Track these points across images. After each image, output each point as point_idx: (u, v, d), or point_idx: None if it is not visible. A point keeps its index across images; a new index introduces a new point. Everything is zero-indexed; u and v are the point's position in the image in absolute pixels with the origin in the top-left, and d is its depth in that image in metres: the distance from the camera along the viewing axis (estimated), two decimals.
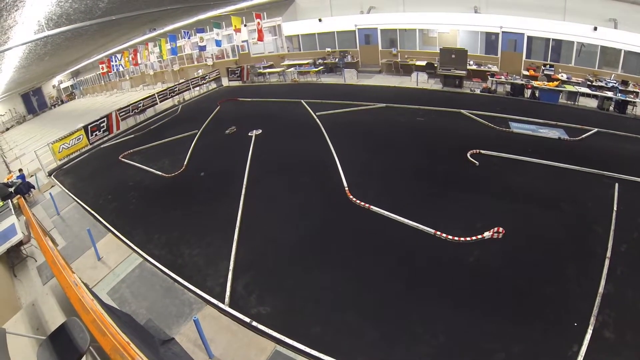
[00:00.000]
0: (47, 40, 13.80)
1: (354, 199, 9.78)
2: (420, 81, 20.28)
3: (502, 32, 20.12)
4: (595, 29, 18.55)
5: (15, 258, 10.51)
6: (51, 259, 6.36)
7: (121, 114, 22.47)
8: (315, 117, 16.56)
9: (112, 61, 40.39)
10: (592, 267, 7.25)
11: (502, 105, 16.03)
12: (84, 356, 4.63)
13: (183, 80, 29.92)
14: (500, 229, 7.96)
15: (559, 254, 7.60)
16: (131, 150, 17.38)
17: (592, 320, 6.12)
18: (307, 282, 7.50)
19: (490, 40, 20.99)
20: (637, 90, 17.50)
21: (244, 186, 11.57)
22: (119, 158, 16.67)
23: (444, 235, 8.01)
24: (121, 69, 42.69)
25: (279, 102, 20.78)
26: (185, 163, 14.29)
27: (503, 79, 18.49)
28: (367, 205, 9.44)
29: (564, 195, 9.59)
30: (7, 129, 48.80)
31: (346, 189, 10.37)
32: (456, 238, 7.89)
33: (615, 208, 9.08)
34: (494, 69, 19.96)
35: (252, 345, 6.35)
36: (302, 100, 19.37)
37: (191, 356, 6.33)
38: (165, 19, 21.48)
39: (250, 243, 8.96)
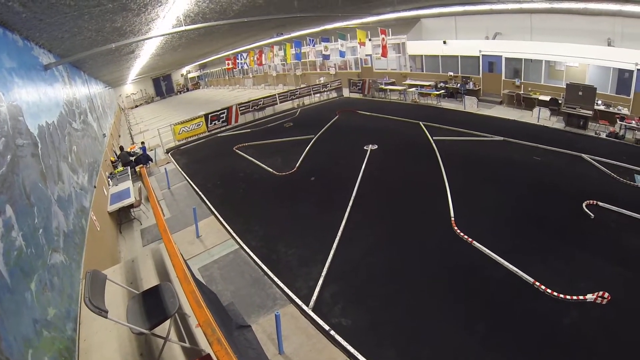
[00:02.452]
0: (183, 35, 15.12)
1: (458, 231, 9.67)
2: (541, 117, 19.12)
3: (638, 69, 17.62)
4: None
5: (124, 217, 12.10)
6: (162, 226, 6.93)
7: (241, 108, 24.16)
8: (431, 140, 16.50)
9: (238, 59, 42.98)
10: None
11: (629, 154, 14.38)
12: (169, 320, 5.02)
13: (304, 85, 31.12)
14: (606, 294, 7.27)
15: None
16: (246, 144, 18.50)
17: None
18: (393, 305, 7.54)
19: (622, 78, 18.67)
20: None
21: (352, 198, 11.86)
22: (234, 149, 17.86)
23: (543, 287, 7.60)
24: (245, 67, 45.43)
25: (397, 120, 20.90)
26: (297, 165, 14.94)
27: (634, 124, 16.35)
28: (470, 239, 9.29)
29: None
30: (137, 106, 54.60)
31: (452, 219, 10.27)
32: (555, 293, 7.43)
33: None
34: (625, 111, 17.83)
35: (324, 353, 6.52)
36: (420, 122, 19.34)
37: (262, 347, 6.67)
38: (293, 25, 22.49)
39: (347, 255, 9.17)
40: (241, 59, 42.94)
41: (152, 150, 20.33)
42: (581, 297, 7.35)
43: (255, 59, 38.77)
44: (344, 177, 13.52)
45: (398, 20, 24.07)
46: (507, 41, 23.31)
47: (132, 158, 17.31)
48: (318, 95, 29.98)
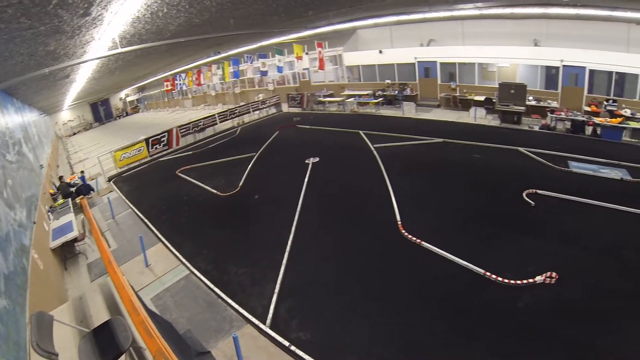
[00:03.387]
0: (119, 57, 14.67)
1: (406, 234, 9.80)
2: (478, 117, 20.03)
3: (563, 65, 19.37)
4: None
5: (68, 253, 11.45)
6: (107, 258, 6.83)
7: (182, 131, 23.74)
8: (372, 148, 16.75)
9: (177, 80, 42.37)
10: None
11: (561, 143, 15.44)
12: (123, 355, 4.84)
13: (243, 103, 31.09)
14: (554, 274, 7.66)
15: (617, 303, 7.12)
16: (188, 166, 18.26)
17: None
18: (350, 314, 7.52)
19: (550, 75, 20.30)
20: None
21: (297, 212, 11.85)
22: (176, 172, 17.54)
23: (494, 276, 7.83)
24: (184, 87, 44.67)
25: (337, 131, 21.13)
26: (240, 184, 14.80)
27: (563, 115, 17.73)
28: (418, 240, 9.43)
29: (626, 241, 8.98)
30: (74, 134, 52.36)
31: (399, 222, 10.41)
32: (506, 280, 7.68)
33: None
34: (554, 104, 19.23)
35: None
36: (360, 131, 19.64)
37: None
38: (230, 43, 22.39)
39: (298, 269, 9.14)
40: (180, 80, 42.28)
41: (93, 179, 19.50)
42: (531, 280, 7.66)
43: (194, 79, 38.26)
44: (288, 192, 13.48)
45: (334, 32, 24.51)
46: (441, 47, 24.42)
47: (73, 189, 16.44)
48: (257, 112, 29.96)
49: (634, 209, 10.02)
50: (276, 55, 29.18)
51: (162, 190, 16.00)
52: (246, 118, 29.27)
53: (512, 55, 20.99)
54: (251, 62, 32.56)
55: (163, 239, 11.73)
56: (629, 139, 16.58)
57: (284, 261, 9.43)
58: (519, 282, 7.65)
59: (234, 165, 17.61)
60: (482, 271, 8.03)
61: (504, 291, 7.54)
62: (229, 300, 8.41)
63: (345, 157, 16.76)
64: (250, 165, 17.02)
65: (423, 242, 9.33)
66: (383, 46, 27.13)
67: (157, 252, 11.06)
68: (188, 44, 15.62)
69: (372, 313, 7.46)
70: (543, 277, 7.65)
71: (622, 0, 10.64)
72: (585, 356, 6.06)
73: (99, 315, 6.48)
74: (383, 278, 8.46)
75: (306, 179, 14.30)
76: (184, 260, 10.36)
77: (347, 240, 10.13)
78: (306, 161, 16.25)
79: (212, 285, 9.06)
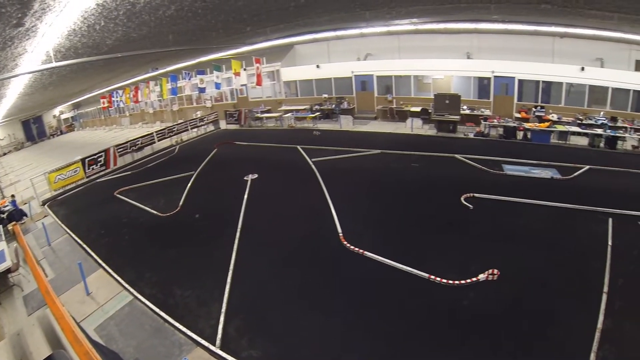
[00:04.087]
0: (53, 71, 14.12)
1: (348, 245, 9.76)
2: (414, 127, 20.59)
3: (494, 76, 20.71)
4: (583, 69, 19.25)
5: (1, 285, 10.49)
6: (44, 288, 6.44)
7: (119, 150, 22.76)
8: (310, 163, 16.74)
9: (114, 97, 40.81)
10: (590, 303, 7.29)
11: (495, 148, 16.28)
12: None
13: (182, 121, 30.41)
14: (495, 271, 7.96)
15: (556, 292, 7.66)
16: (127, 187, 17.50)
17: (592, 356, 6.13)
18: (298, 327, 7.42)
19: (482, 85, 21.56)
20: (626, 125, 18.09)
21: (238, 229, 11.55)
22: (115, 194, 16.76)
23: (438, 279, 7.97)
24: (121, 105, 43.13)
25: (275, 147, 21.04)
26: (180, 203, 14.34)
27: (495, 122, 18.86)
28: (361, 251, 9.42)
29: (559, 234, 9.72)
30: (4, 154, 48.97)
31: (340, 235, 10.36)
32: (450, 281, 7.86)
33: (610, 243, 9.27)
34: (487, 112, 20.36)
35: None
36: (298, 146, 19.63)
37: None
38: (168, 59, 22.01)
39: (243, 286, 8.92)
40: (117, 97, 40.64)
41: (25, 204, 18.19)
42: (474, 279, 7.90)
43: (131, 96, 36.91)
44: (228, 210, 13.17)
45: (272, 48, 24.57)
46: (377, 61, 25.15)
47: (3, 215, 15.26)
48: (196, 130, 29.40)
49: (564, 204, 10.87)
50: (214, 71, 28.81)
51: (101, 213, 15.20)
52: (184, 136, 28.62)
53: (446, 68, 22.08)
54: (189, 79, 31.96)
55: (104, 265, 11.06)
56: (557, 141, 17.96)
57: (229, 279, 9.13)
58: (462, 281, 7.85)
59: (174, 184, 17.07)
60: (427, 275, 8.15)
61: (449, 292, 7.71)
62: (177, 324, 8.00)
63: (284, 172, 16.68)
64: (189, 184, 16.55)
65: (366, 252, 9.33)
66: (321, 61, 27.51)
67: (98, 279, 10.39)
68: (126, 59, 15.19)
69: (320, 324, 7.39)
70: (485, 275, 7.92)
71: (545, 15, 11.35)
72: (530, 344, 6.37)
73: (40, 350, 6.01)
74: (329, 289, 8.39)
75: (246, 196, 14.04)
76: (126, 285, 9.79)
77: (290, 255, 10.01)
78: (245, 178, 15.99)
79: (158, 310, 8.58)
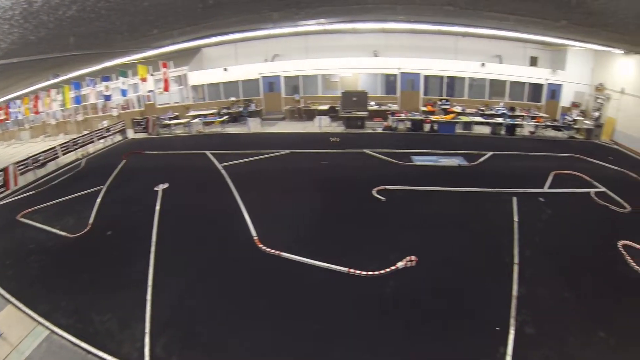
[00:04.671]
0: None
1: (265, 248, 9.47)
2: (323, 125, 20.75)
3: (401, 73, 21.65)
4: (483, 64, 21.10)
5: None
6: None
7: (20, 168, 20.74)
8: (220, 168, 16.23)
9: (11, 107, 37.34)
10: (504, 275, 7.89)
11: (403, 141, 16.83)
12: None
13: (87, 132, 28.50)
14: (413, 257, 8.14)
15: (472, 269, 8.14)
16: (31, 209, 15.94)
17: (512, 321, 6.67)
18: (225, 335, 7.14)
19: (389, 81, 22.37)
20: (523, 114, 20.20)
21: (153, 243, 10.88)
22: (18, 218, 15.21)
23: (358, 271, 7.97)
24: (20, 116, 39.68)
25: (184, 154, 20.24)
26: (90, 222, 13.28)
27: (403, 116, 19.50)
28: (277, 252, 9.17)
29: (469, 216, 10.34)
30: None
31: (255, 238, 10.04)
32: (370, 273, 7.90)
33: (516, 219, 10.15)
34: (394, 107, 21.01)
35: None
36: (207, 152, 19.01)
37: None
38: (71, 64, 20.32)
39: (165, 301, 8.35)
40: (15, 108, 37.01)
41: None
42: (393, 267, 8.01)
43: (31, 106, 33.84)
44: (141, 223, 12.34)
45: (180, 51, 23.52)
46: (285, 61, 25.00)
47: None
48: (102, 140, 27.58)
49: (472, 188, 11.63)
50: (120, 77, 27.07)
51: (3, 241, 13.67)
52: (91, 148, 26.75)
53: (354, 66, 22.60)
54: (94, 86, 29.88)
55: (13, 300, 9.90)
56: (462, 131, 19.15)
57: (149, 296, 8.53)
58: (382, 271, 7.92)
59: (82, 201, 15.75)
60: (346, 269, 8.10)
61: (371, 282, 7.77)
62: (100, 354, 7.29)
63: (194, 179, 15.98)
64: (99, 200, 15.33)
65: (283, 253, 9.09)
66: (228, 63, 26.91)
67: (8, 317, 9.21)
68: (23, 65, 13.80)
69: (246, 331, 7.14)
70: (404, 262, 8.08)
71: (448, 16, 11.85)
72: (453, 320, 6.73)
73: None
74: (251, 296, 8.09)
75: (157, 207, 13.28)
76: (41, 319, 8.78)
77: (207, 264, 9.54)
78: (155, 188, 15.15)
79: (78, 341, 7.80)
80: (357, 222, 10.31)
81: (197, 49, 27.10)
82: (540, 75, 22.07)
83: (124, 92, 27.73)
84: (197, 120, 25.49)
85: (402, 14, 11.47)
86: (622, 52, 18.66)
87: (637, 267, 8.84)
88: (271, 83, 25.10)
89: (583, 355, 6.53)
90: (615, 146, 19.98)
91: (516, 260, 8.51)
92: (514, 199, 11.33)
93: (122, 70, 25.96)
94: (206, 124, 25.10)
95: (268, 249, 9.31)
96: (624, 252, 9.40)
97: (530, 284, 7.75)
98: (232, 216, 11.50)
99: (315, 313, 7.26)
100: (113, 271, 10.04)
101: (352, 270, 8.04)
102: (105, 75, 27.71)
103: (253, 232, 10.27)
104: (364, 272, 7.93)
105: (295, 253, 8.96)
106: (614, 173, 15.44)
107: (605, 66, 21.82)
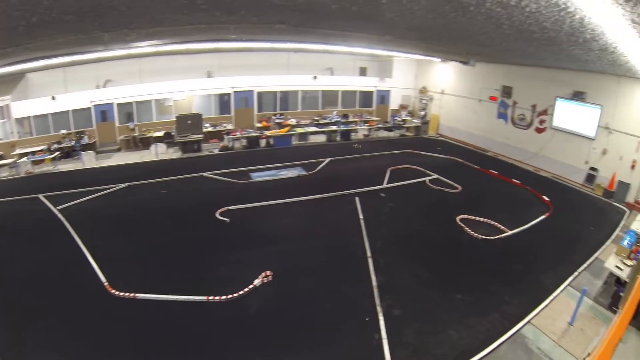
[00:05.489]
0: None
1: (117, 293, 8.55)
2: (160, 152, 19.80)
3: (234, 91, 21.74)
4: (315, 77, 22.63)
5: None
6: None
7: None
8: (56, 211, 14.43)
9: None
10: (361, 269, 8.73)
11: (241, 159, 17.00)
12: None
13: None
14: (268, 272, 8.38)
15: (330, 270, 8.82)
16: None
17: (379, 308, 7.50)
18: None
19: (223, 101, 22.29)
20: (356, 119, 22.87)
21: None
22: None
23: (217, 297, 7.89)
24: None
25: (12, 201, 17.66)
26: None
27: (238, 134, 19.69)
28: (131, 295, 8.38)
29: (316, 222, 11.10)
30: None
31: (105, 284, 8.98)
32: (230, 296, 7.88)
33: (361, 216, 11.27)
34: (229, 127, 21.13)
35: None
36: (40, 195, 16.83)
37: None
38: None
39: None
40: None
41: None
42: (251, 286, 8.15)
43: None
44: None
45: (1, 77, 20.38)
46: (117, 87, 23.03)
47: None
48: None
49: (314, 195, 12.52)
50: None
51: None
52: None
53: (187, 88, 21.99)
54: None
55: None
56: (298, 142, 20.20)
57: None
58: (241, 292, 7.98)
59: None
60: (205, 298, 7.95)
61: (232, 305, 7.77)
62: None
63: (26, 230, 13.78)
64: None
65: (137, 294, 8.37)
66: (57, 91, 23.82)
67: None
68: None
69: None
70: (260, 279, 8.29)
71: (281, 34, 12.26)
72: (324, 321, 7.28)
73: None
74: (106, 347, 7.24)
75: None
76: None
77: (55, 320, 8.18)
78: None
79: None
80: (206, 247, 10.06)
81: (20, 74, 23.87)
82: (369, 83, 25.17)
83: None
84: (24, 159, 22.63)
85: (235, 34, 11.61)
86: (440, 60, 21.83)
87: (474, 234, 11.07)
88: (104, 112, 23.07)
89: (450, 318, 7.66)
90: (442, 138, 23.57)
91: (369, 253, 9.42)
92: (357, 199, 12.43)
93: None
94: (35, 162, 22.38)
95: (121, 294, 8.41)
96: (462, 225, 11.49)
97: (387, 271, 8.70)
98: (75, 264, 10.06)
99: (179, 351, 6.89)
100: None
101: (210, 297, 7.90)
102: None
103: (102, 278, 9.15)
104: (223, 297, 7.85)
105: (151, 291, 8.33)
106: (443, 161, 17.87)
107: (426, 72, 26.23)
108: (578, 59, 12.26)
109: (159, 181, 15.20)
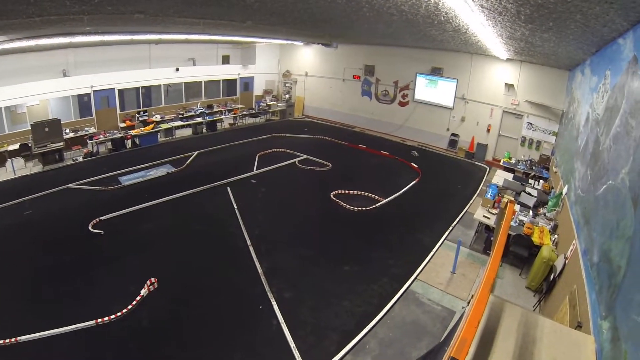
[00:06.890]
0: None
1: None
2: (17, 168, 16.61)
3: (94, 91, 19.74)
4: (178, 69, 21.71)
5: None
6: None
7: None
8: None
9: None
10: (244, 259, 9.00)
11: (108, 164, 15.80)
12: None
13: None
14: (153, 279, 8.09)
15: (214, 264, 8.99)
16: None
17: (270, 295, 7.85)
18: None
19: (83, 102, 20.03)
20: (221, 109, 22.64)
21: None
22: None
23: (106, 318, 7.20)
24: None
25: None
26: None
27: (102, 137, 18.12)
28: (13, 340, 6.87)
29: (190, 218, 11.08)
30: None
31: None
32: (119, 314, 7.31)
33: (235, 206, 11.58)
34: (92, 130, 19.13)
35: None
36: None
37: None
38: None
39: None
40: None
41: None
42: (138, 298, 7.78)
43: None
44: None
45: None
46: None
47: None
48: None
49: (185, 191, 12.46)
50: None
51: None
52: None
53: (41, 91, 18.74)
54: None
55: None
56: (164, 139, 19.56)
57: None
58: (129, 306, 7.49)
59: None
60: (93, 322, 7.13)
61: (122, 323, 7.23)
62: None
63: None
64: None
65: (20, 338, 6.91)
66: None
67: None
68: None
69: None
70: (146, 288, 7.98)
71: (140, 25, 11.63)
72: (216, 317, 7.21)
73: None
74: None
75: None
76: None
77: None
78: None
79: None
80: (83, 267, 8.88)
81: None
82: (233, 71, 24.95)
83: None
84: None
85: (90, 25, 10.59)
86: (302, 43, 23.09)
87: (350, 206, 11.98)
88: None
89: (341, 290, 8.27)
90: (308, 119, 24.37)
91: (249, 242, 9.71)
92: (229, 189, 12.68)
93: None
94: None
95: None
96: (337, 200, 12.43)
97: (269, 257, 9.10)
98: None
99: None
100: None
101: (99, 320, 7.14)
102: None
103: None
104: (112, 317, 7.22)
105: (33, 331, 7.03)
106: (311, 140, 18.65)
107: (290, 56, 27.13)
108: (434, 38, 13.76)
109: (19, 202, 12.59)
